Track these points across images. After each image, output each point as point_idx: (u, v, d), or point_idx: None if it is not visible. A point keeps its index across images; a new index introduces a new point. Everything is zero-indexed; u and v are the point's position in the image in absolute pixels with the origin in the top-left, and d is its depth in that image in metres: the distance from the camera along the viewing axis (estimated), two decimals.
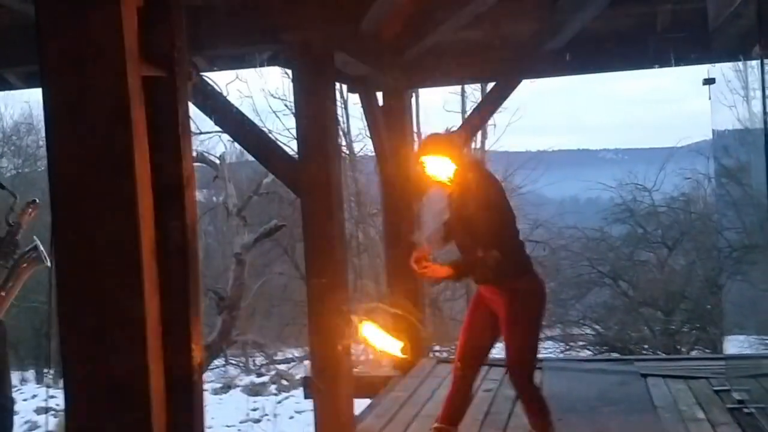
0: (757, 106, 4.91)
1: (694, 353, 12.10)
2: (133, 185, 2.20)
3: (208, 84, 5.42)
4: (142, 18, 2.27)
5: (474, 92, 14.15)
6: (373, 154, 7.61)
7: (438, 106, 14.98)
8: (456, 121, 13.53)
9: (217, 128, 10.25)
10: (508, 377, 4.29)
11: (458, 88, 14.17)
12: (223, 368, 16.07)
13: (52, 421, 10.55)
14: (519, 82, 6.88)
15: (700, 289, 12.94)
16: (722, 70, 5.81)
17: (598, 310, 13.75)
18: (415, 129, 11.05)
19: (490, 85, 7.42)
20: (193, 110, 5.16)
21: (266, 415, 11.42)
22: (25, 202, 4.24)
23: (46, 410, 11.04)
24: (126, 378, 2.24)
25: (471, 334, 4.30)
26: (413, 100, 9.53)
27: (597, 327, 13.64)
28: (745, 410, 5.11)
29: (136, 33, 2.23)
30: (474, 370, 4.37)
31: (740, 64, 5.39)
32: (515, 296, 4.05)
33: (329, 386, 4.84)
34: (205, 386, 12.15)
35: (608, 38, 6.37)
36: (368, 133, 7.20)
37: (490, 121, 11.19)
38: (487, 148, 14.85)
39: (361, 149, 14.24)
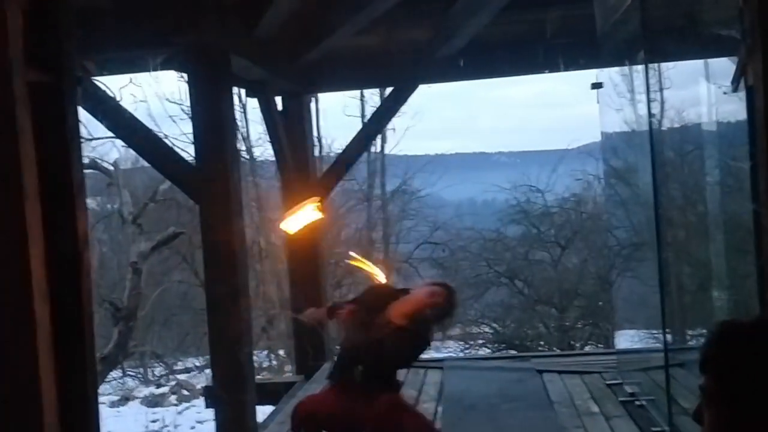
0: (642, 109, 5.13)
1: (587, 348, 12.51)
2: (20, 193, 2.12)
3: (99, 88, 5.25)
4: (28, 21, 2.19)
5: (373, 97, 14.23)
6: (274, 158, 7.55)
7: (338, 111, 14.99)
8: (356, 125, 13.59)
9: (111, 134, 9.96)
10: None
11: (357, 92, 14.22)
12: (120, 380, 15.58)
13: None
14: (416, 86, 6.97)
15: (593, 286, 13.40)
16: (610, 74, 6.04)
17: (496, 309, 14.05)
18: (315, 133, 11.04)
19: (389, 90, 7.47)
20: (84, 116, 5.02)
21: (166, 426, 11.16)
22: None
23: None
24: (17, 393, 2.16)
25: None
26: (312, 104, 9.51)
27: (495, 325, 13.94)
28: (637, 403, 5.31)
29: (22, 37, 2.15)
30: None
31: (627, 68, 5.61)
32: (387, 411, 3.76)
33: (232, 394, 4.77)
34: (102, 399, 11.82)
35: (500, 44, 6.53)
36: (268, 138, 7.14)
37: (389, 125, 11.26)
38: (386, 152, 14.97)
39: (261, 153, 14.10)
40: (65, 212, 2.43)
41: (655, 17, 4.95)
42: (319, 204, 4.54)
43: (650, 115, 4.92)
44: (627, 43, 5.15)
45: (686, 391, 4.67)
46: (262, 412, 5.55)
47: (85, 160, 11.82)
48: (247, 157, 13.92)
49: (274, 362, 14.02)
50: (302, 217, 4.49)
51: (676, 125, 9.28)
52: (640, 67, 5.02)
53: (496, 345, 13.44)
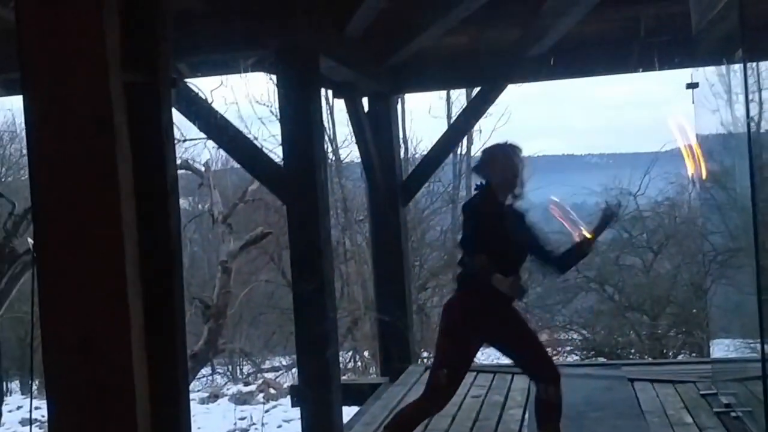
0: (740, 109, 4.94)
1: (680, 357, 12.14)
2: (116, 193, 2.17)
3: (192, 90, 5.39)
4: (124, 23, 2.24)
5: (459, 97, 14.17)
6: (359, 160, 7.59)
7: (424, 112, 14.97)
8: (442, 126, 13.56)
9: (202, 135, 10.22)
10: (553, 385, 4.00)
11: (444, 93, 14.18)
12: (210, 377, 15.97)
13: None
14: (504, 86, 6.89)
15: (686, 293, 12.98)
16: (705, 73, 5.83)
17: (585, 315, 13.77)
18: (401, 134, 11.07)
19: (476, 90, 7.42)
20: (177, 117, 5.15)
21: (254, 424, 11.34)
22: (23, 209, 4.22)
23: (31, 422, 10.94)
24: (111, 389, 2.21)
25: (462, 345, 3.97)
26: (399, 105, 9.53)
27: (584, 332, 13.66)
28: (732, 414, 5.11)
29: (119, 39, 2.20)
30: (459, 383, 4.08)
31: (723, 67, 5.41)
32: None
33: (317, 394, 4.81)
34: (192, 395, 12.11)
35: (592, 42, 6.40)
36: (354, 139, 7.18)
37: (475, 127, 11.18)
38: (473, 153, 14.86)
39: (347, 155, 14.22)
40: (159, 211, 2.48)
41: (753, 14, 4.76)
42: None
43: (748, 116, 4.73)
44: (724, 41, 4.97)
45: None
46: (347, 412, 5.57)
47: (178, 161, 12.16)
48: (334, 158, 14.06)
49: (359, 363, 14.11)
50: None
51: None
52: (737, 66, 4.84)
53: (584, 352, 13.15)
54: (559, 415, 4.04)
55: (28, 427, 11.17)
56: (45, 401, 2.29)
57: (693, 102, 6.05)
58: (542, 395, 4.05)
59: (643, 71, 6.53)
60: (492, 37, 6.41)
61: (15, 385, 16.26)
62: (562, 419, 4.07)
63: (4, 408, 12.65)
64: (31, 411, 11.08)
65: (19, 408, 12.52)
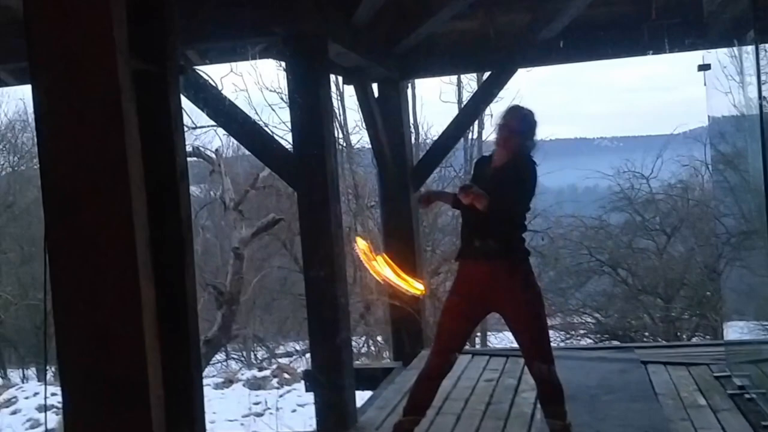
0: (752, 91, 4.90)
1: (694, 340, 12.11)
2: (126, 181, 2.18)
3: (201, 77, 5.39)
4: (133, 11, 2.25)
5: (470, 82, 14.10)
6: (370, 146, 7.58)
7: (434, 97, 14.95)
8: (452, 111, 13.50)
9: (213, 122, 10.22)
10: (536, 365, 4.02)
11: (454, 78, 14.11)
12: (224, 363, 16.07)
13: (54, 419, 10.53)
14: (514, 71, 6.85)
15: (699, 275, 12.94)
16: (717, 55, 5.78)
17: (598, 299, 13.75)
18: (411, 120, 11.03)
19: (486, 75, 7.38)
20: (187, 104, 5.16)
21: (268, 408, 11.41)
22: None
23: (46, 408, 11.04)
24: (124, 374, 2.23)
25: (460, 319, 4.10)
26: (409, 90, 9.50)
27: (597, 315, 13.64)
28: (746, 396, 5.10)
29: (126, 27, 2.20)
30: (456, 356, 4.19)
31: (735, 49, 5.37)
32: (524, 281, 4.00)
33: (330, 379, 4.83)
34: (207, 381, 12.19)
35: (602, 25, 6.34)
36: (364, 125, 7.17)
37: (486, 111, 11.13)
38: (484, 138, 14.81)
39: (358, 141, 14.19)
40: (169, 199, 2.49)
41: None
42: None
43: (761, 97, 4.69)
44: (736, 23, 4.93)
45: None
46: (361, 397, 5.59)
47: (189, 149, 12.18)
48: (344, 144, 14.04)
49: (372, 348, 14.15)
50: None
51: None
52: (750, 48, 4.80)
53: (598, 335, 13.14)
54: (561, 396, 4.01)
55: (44, 413, 11.28)
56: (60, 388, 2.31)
57: (705, 84, 6.01)
58: (535, 375, 4.06)
59: (653, 54, 6.48)
60: (502, 22, 6.37)
61: (31, 372, 16.41)
62: (575, 402, 4.06)
63: (21, 394, 12.79)
64: (45, 397, 11.20)
65: (35, 395, 12.64)
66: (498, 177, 4.00)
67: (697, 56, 6.04)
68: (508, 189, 3.89)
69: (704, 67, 5.91)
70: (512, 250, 3.98)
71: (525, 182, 4.00)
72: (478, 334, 12.24)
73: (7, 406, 12.34)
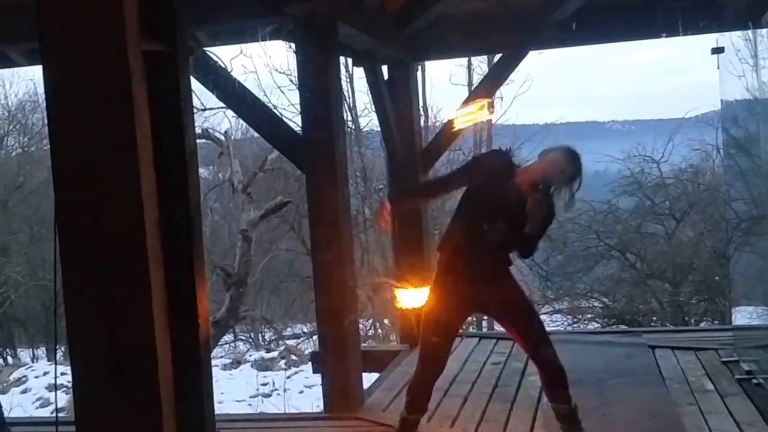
0: (766, 75, 4.86)
1: (702, 325, 12.09)
2: (135, 162, 2.18)
3: (211, 59, 5.37)
4: None
5: (481, 64, 14.04)
6: (379, 129, 7.55)
7: (444, 79, 14.86)
8: (463, 94, 13.45)
9: (222, 104, 10.21)
10: (540, 356, 3.91)
11: (464, 60, 14.06)
12: (232, 344, 16.15)
13: (63, 398, 10.62)
14: (525, 53, 6.81)
15: (708, 260, 12.89)
16: (731, 38, 5.75)
17: (606, 283, 13.72)
18: (421, 102, 10.99)
19: (497, 57, 7.33)
20: (196, 86, 5.15)
21: (276, 389, 11.47)
22: None
23: (56, 387, 11.12)
24: (133, 355, 2.23)
25: (452, 312, 3.93)
26: (419, 73, 9.46)
27: (605, 300, 13.62)
28: (754, 381, 5.10)
29: (137, 7, 2.19)
30: (450, 348, 4.08)
31: (749, 32, 5.33)
32: (514, 283, 3.97)
33: (337, 361, 4.85)
34: (215, 362, 12.25)
35: (615, 7, 6.29)
36: (374, 108, 7.14)
37: (497, 94, 11.09)
38: (494, 121, 14.76)
39: (367, 124, 14.16)
40: (178, 180, 2.48)
41: None
42: (490, 103, 4.45)
43: None
44: (750, 5, 4.89)
45: None
46: (368, 379, 5.61)
47: (198, 130, 12.18)
48: (353, 127, 14.01)
49: (380, 331, 14.19)
50: (472, 116, 4.39)
51: None
52: (764, 31, 4.77)
53: (605, 320, 13.13)
54: (564, 379, 3.90)
55: (54, 392, 11.37)
56: (70, 367, 2.32)
57: (718, 67, 5.96)
58: (536, 361, 3.96)
59: (666, 36, 6.42)
60: (513, 3, 6.32)
61: (41, 351, 16.53)
62: (582, 385, 4.03)
63: (31, 373, 12.89)
64: (56, 377, 11.28)
65: (45, 374, 12.75)
66: (537, 205, 3.73)
67: (710, 39, 6.00)
68: (544, 222, 3.78)
69: (718, 50, 5.86)
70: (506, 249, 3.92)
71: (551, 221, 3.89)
72: (485, 318, 12.25)
73: (18, 386, 12.44)
